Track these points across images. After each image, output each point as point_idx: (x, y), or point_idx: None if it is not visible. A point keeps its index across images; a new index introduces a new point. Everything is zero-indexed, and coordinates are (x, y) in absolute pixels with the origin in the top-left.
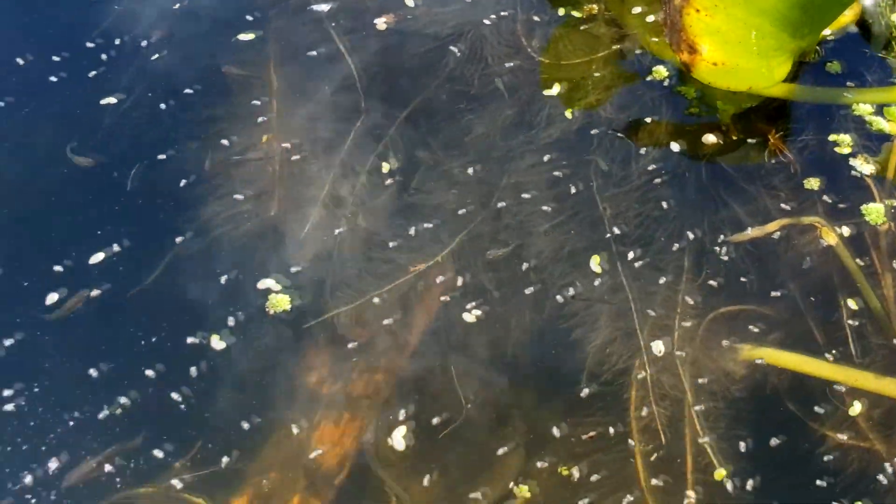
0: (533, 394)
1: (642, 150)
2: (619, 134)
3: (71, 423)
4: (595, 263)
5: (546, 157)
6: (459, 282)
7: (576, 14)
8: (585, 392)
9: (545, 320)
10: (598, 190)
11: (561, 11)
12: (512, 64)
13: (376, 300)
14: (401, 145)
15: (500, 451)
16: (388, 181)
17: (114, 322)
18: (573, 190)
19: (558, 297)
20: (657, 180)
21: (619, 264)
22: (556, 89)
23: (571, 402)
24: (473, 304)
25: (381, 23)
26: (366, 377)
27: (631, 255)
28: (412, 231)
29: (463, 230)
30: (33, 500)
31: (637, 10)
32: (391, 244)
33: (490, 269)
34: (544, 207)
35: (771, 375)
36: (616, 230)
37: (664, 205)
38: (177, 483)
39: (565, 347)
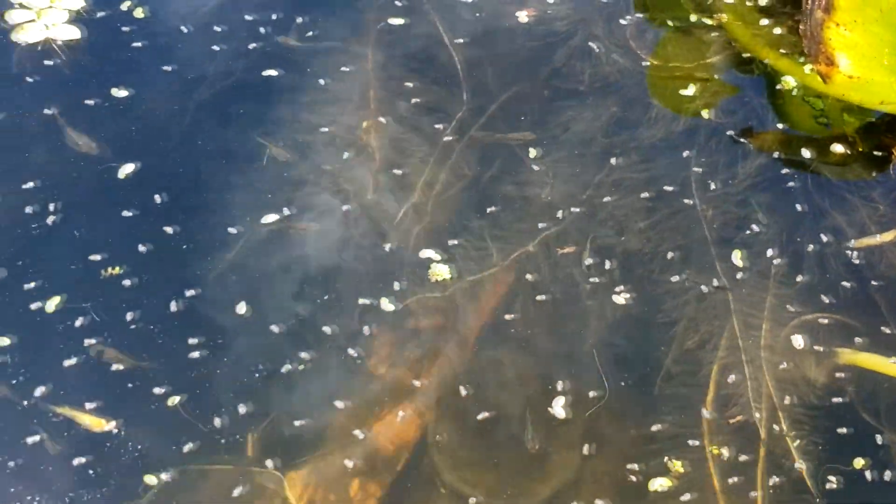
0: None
1: (751, 155)
2: (734, 135)
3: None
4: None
5: (647, 157)
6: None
7: (692, 19)
8: (731, 378)
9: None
10: (697, 192)
11: (673, 16)
12: (620, 64)
13: (529, 277)
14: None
15: (654, 428)
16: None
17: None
18: (671, 188)
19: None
20: (767, 185)
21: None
22: (664, 91)
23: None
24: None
25: (522, 16)
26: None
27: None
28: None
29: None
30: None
31: (765, 21)
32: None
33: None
34: (641, 204)
35: None
36: (714, 233)
37: (781, 208)
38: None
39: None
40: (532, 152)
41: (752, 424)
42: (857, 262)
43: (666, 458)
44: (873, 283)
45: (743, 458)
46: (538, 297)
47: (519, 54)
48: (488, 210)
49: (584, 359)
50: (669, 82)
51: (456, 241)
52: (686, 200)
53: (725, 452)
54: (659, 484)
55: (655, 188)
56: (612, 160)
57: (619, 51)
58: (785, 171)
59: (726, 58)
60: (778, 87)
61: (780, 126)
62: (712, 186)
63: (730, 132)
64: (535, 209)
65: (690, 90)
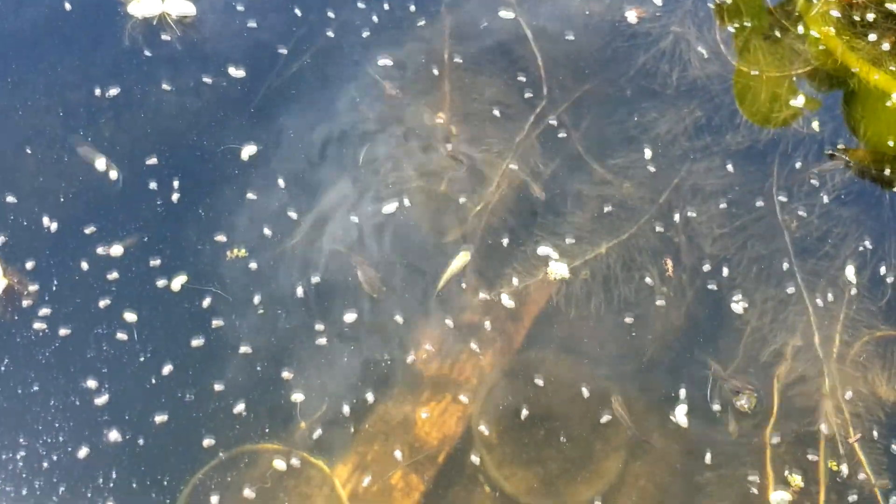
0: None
1: (840, 169)
2: (830, 152)
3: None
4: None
5: (728, 163)
6: None
7: (792, 29)
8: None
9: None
10: (780, 203)
11: (769, 26)
12: (709, 68)
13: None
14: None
15: (774, 441)
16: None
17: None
18: (756, 203)
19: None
20: (854, 199)
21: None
22: (749, 98)
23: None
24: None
25: (632, 16)
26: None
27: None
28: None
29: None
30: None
31: (872, 36)
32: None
33: None
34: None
35: None
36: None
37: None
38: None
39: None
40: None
41: None
42: None
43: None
44: None
45: None
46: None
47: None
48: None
49: None
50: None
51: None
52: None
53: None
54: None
55: (736, 196)
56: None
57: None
58: (875, 187)
59: (821, 70)
60: (888, 103)
61: (878, 142)
62: (797, 198)
63: (825, 146)
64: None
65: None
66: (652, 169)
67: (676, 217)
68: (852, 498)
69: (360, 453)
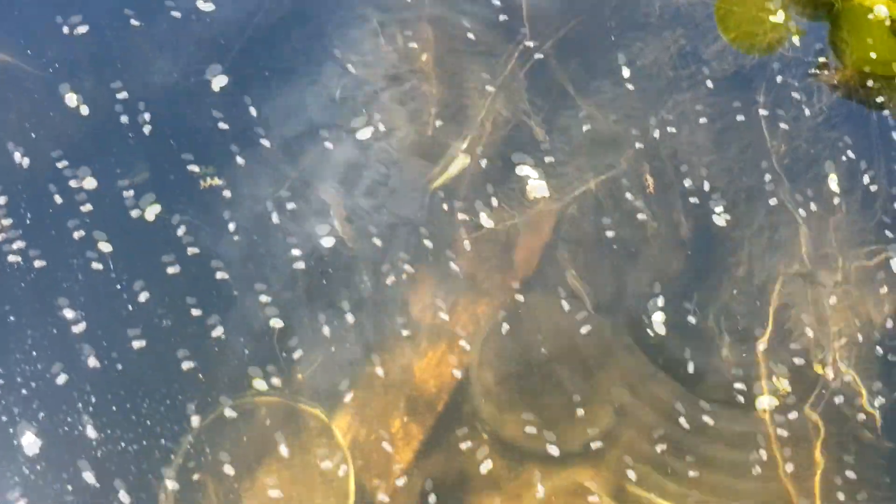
0: None
1: (826, 90)
2: (814, 70)
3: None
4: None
5: (711, 83)
6: None
7: None
8: None
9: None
10: (763, 118)
11: None
12: None
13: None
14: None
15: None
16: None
17: None
18: (738, 118)
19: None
20: (842, 120)
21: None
22: (731, 26)
23: None
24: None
25: None
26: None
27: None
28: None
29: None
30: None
31: None
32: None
33: None
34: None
35: None
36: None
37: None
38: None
39: None
40: None
41: None
42: None
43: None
44: None
45: None
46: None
47: None
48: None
49: None
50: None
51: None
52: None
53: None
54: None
55: (718, 113)
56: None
57: None
58: (862, 105)
59: None
60: (869, 16)
61: (861, 59)
62: (780, 114)
63: (808, 67)
64: None
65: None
66: (637, 96)
67: (657, 133)
68: (838, 400)
69: (359, 404)
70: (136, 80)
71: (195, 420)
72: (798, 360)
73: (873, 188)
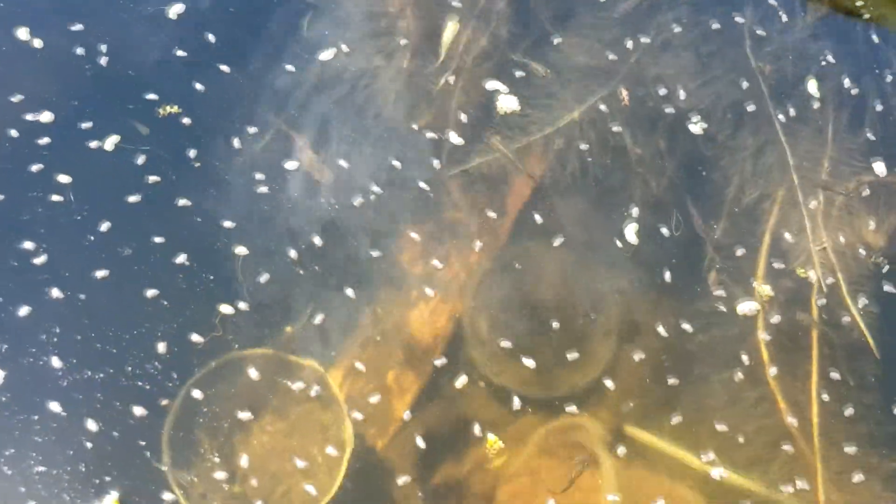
0: None
1: (808, 7)
2: None
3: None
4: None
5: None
6: None
7: None
8: None
9: None
10: (751, 45)
11: None
12: None
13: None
14: None
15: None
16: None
17: None
18: (713, 26)
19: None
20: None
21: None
22: None
23: None
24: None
25: None
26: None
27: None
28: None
29: None
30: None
31: None
32: None
33: None
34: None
35: None
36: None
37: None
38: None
39: None
40: None
41: None
42: None
43: None
44: None
45: None
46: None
47: None
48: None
49: None
50: None
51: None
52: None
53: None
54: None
55: (691, 19)
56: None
57: None
58: (848, 20)
59: None
60: None
61: None
62: (754, 18)
63: None
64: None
65: None
66: (616, 20)
67: (630, 44)
68: (821, 302)
69: (353, 356)
70: (90, 11)
71: (161, 347)
72: (778, 265)
73: (859, 105)
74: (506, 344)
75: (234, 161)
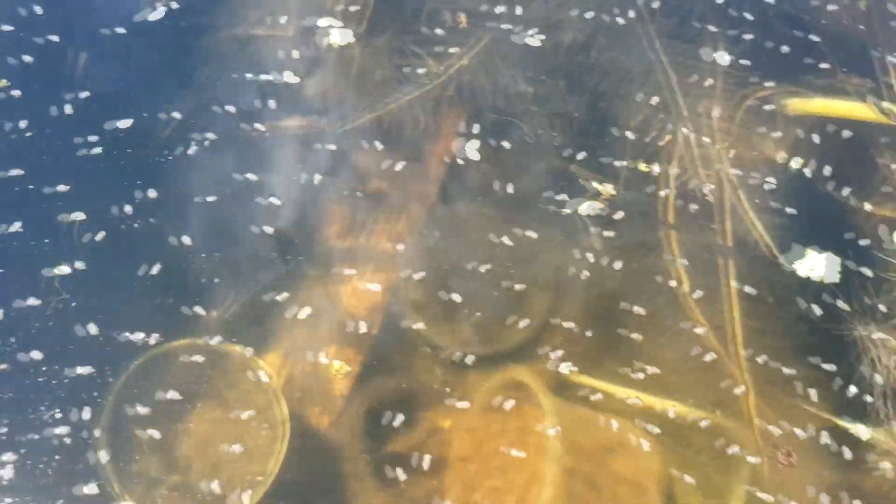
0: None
1: None
2: None
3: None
4: None
5: None
6: None
7: None
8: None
9: None
10: None
11: None
12: None
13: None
14: None
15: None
16: None
17: None
18: None
19: None
20: None
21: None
22: None
23: None
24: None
25: None
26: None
27: None
28: None
29: None
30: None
31: None
32: None
33: None
34: None
35: None
36: None
37: None
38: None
39: None
40: None
41: None
42: None
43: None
44: None
45: None
46: None
47: None
48: None
49: None
50: None
51: None
52: None
53: None
54: None
55: None
56: None
57: None
58: None
59: None
60: None
61: None
62: None
63: None
64: None
65: None
66: None
67: None
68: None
69: (290, 337)
70: None
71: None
72: (619, 163)
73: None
74: (444, 308)
75: (62, 125)
